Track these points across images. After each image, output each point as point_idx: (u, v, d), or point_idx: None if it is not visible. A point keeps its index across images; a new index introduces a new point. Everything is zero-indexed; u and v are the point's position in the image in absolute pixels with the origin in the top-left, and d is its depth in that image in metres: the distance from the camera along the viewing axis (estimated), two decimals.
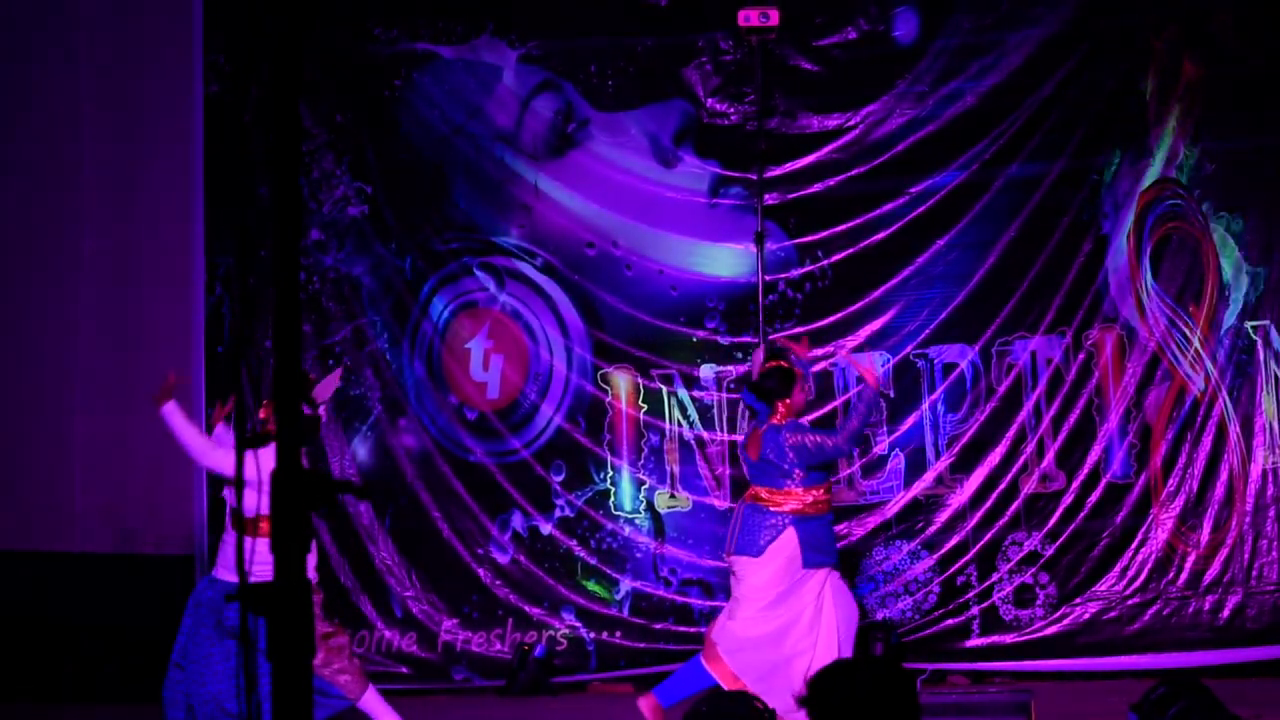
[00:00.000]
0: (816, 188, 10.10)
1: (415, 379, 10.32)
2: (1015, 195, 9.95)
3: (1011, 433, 9.91)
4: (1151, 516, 9.76)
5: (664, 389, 10.18)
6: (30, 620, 10.20)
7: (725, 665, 7.49)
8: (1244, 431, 9.72)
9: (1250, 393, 9.76)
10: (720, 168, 10.18)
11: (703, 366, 10.18)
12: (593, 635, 10.13)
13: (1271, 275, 9.80)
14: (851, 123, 10.09)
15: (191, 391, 10.30)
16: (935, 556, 9.93)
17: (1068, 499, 9.83)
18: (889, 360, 10.04)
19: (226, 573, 7.31)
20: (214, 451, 7.34)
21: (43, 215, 10.56)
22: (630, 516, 10.17)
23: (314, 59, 10.10)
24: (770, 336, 9.62)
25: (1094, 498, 9.82)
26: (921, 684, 9.20)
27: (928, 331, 10.02)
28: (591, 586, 10.19)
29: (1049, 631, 9.79)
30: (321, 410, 7.69)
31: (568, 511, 10.19)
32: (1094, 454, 9.84)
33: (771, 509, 7.49)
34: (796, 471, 7.49)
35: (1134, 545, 9.76)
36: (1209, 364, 9.77)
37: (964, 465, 9.95)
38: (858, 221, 10.06)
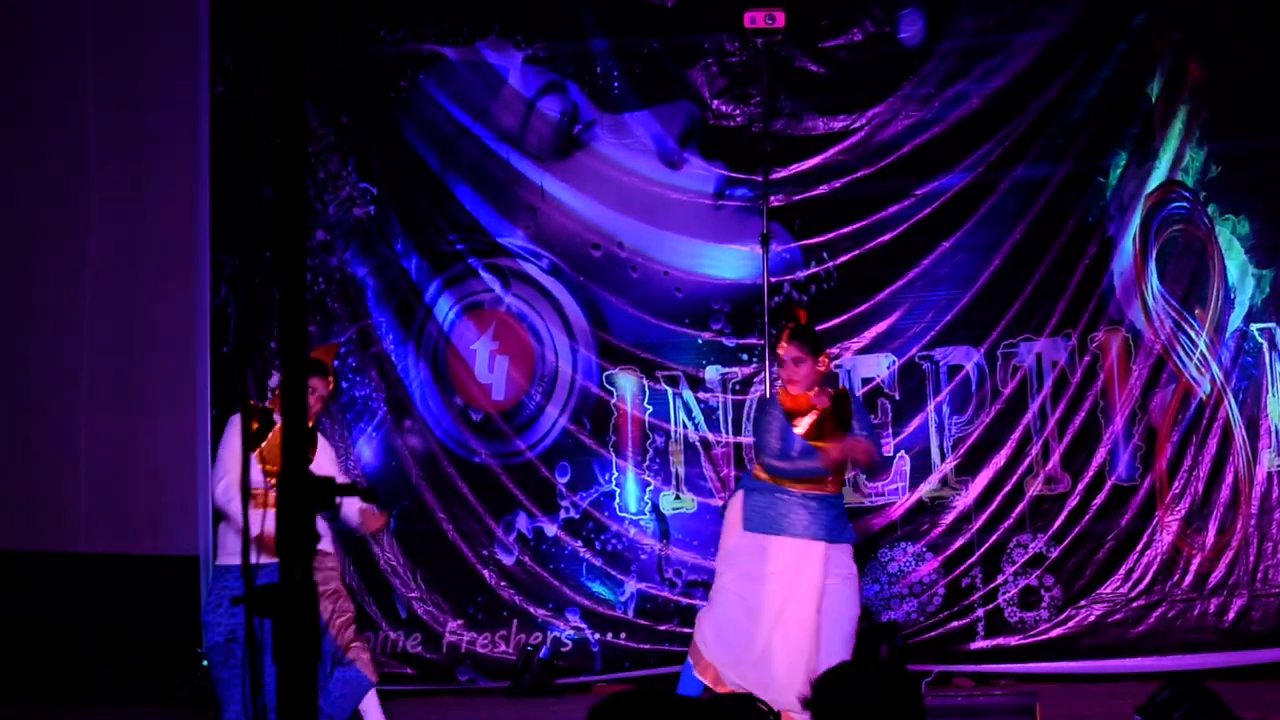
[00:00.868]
0: (822, 189, 10.10)
1: (420, 380, 10.31)
2: (1021, 197, 9.95)
3: (1017, 435, 9.91)
4: (1156, 519, 9.76)
5: (669, 390, 10.18)
6: (31, 620, 10.20)
7: (705, 660, 7.46)
8: (1249, 434, 9.72)
9: (1256, 395, 9.76)
10: (726, 169, 10.18)
11: (708, 368, 10.18)
12: (597, 636, 10.13)
13: (1277, 278, 9.80)
14: (857, 125, 10.09)
15: (196, 393, 10.31)
16: (940, 558, 9.92)
17: (1073, 501, 9.83)
18: (894, 362, 10.04)
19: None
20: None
21: (47, 215, 10.56)
22: (635, 518, 10.17)
23: (319, 60, 10.09)
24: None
25: (1099, 500, 9.82)
26: (926, 686, 9.20)
27: (933, 333, 10.01)
28: (597, 588, 10.20)
29: (1054, 634, 9.79)
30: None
31: (573, 513, 10.19)
32: (1099, 456, 9.83)
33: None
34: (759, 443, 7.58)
35: (1139, 548, 9.76)
36: (1214, 367, 9.77)
37: (969, 467, 9.95)
38: (863, 223, 10.06)
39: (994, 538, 9.87)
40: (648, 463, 10.14)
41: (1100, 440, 9.84)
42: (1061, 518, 9.82)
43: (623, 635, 10.06)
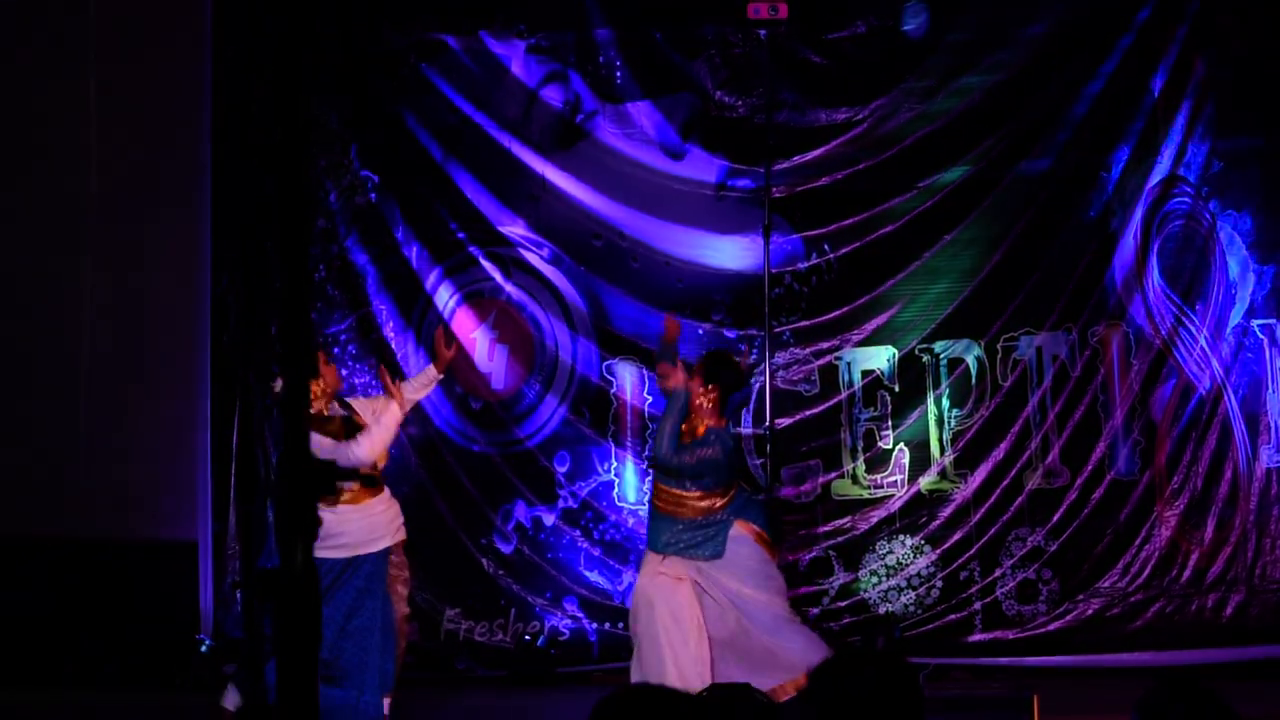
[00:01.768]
0: (824, 181, 10.09)
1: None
2: (1023, 191, 9.94)
3: (1016, 429, 9.91)
4: (1155, 514, 9.76)
5: None
6: (30, 606, 10.20)
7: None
8: (1249, 430, 9.72)
9: (1256, 391, 9.76)
10: (728, 160, 10.17)
11: None
12: (595, 626, 10.14)
13: (1278, 274, 9.79)
14: (859, 117, 10.08)
15: (197, 379, 10.31)
16: (938, 551, 9.93)
17: (1072, 495, 9.83)
18: (894, 355, 10.04)
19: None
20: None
21: (49, 201, 10.55)
22: (634, 508, 10.16)
23: (322, 48, 10.08)
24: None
25: (1098, 494, 9.82)
26: (924, 679, 9.21)
27: (933, 326, 10.01)
28: (595, 578, 10.20)
29: (1051, 628, 9.80)
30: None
31: (571, 502, 10.20)
32: (1099, 451, 9.83)
33: None
34: None
35: (1137, 542, 9.76)
36: (1215, 362, 9.76)
37: (968, 461, 9.95)
38: (865, 216, 10.06)
39: (992, 531, 9.87)
40: (647, 453, 10.14)
41: (1100, 435, 9.84)
42: (1060, 512, 9.83)
43: (620, 625, 10.05)
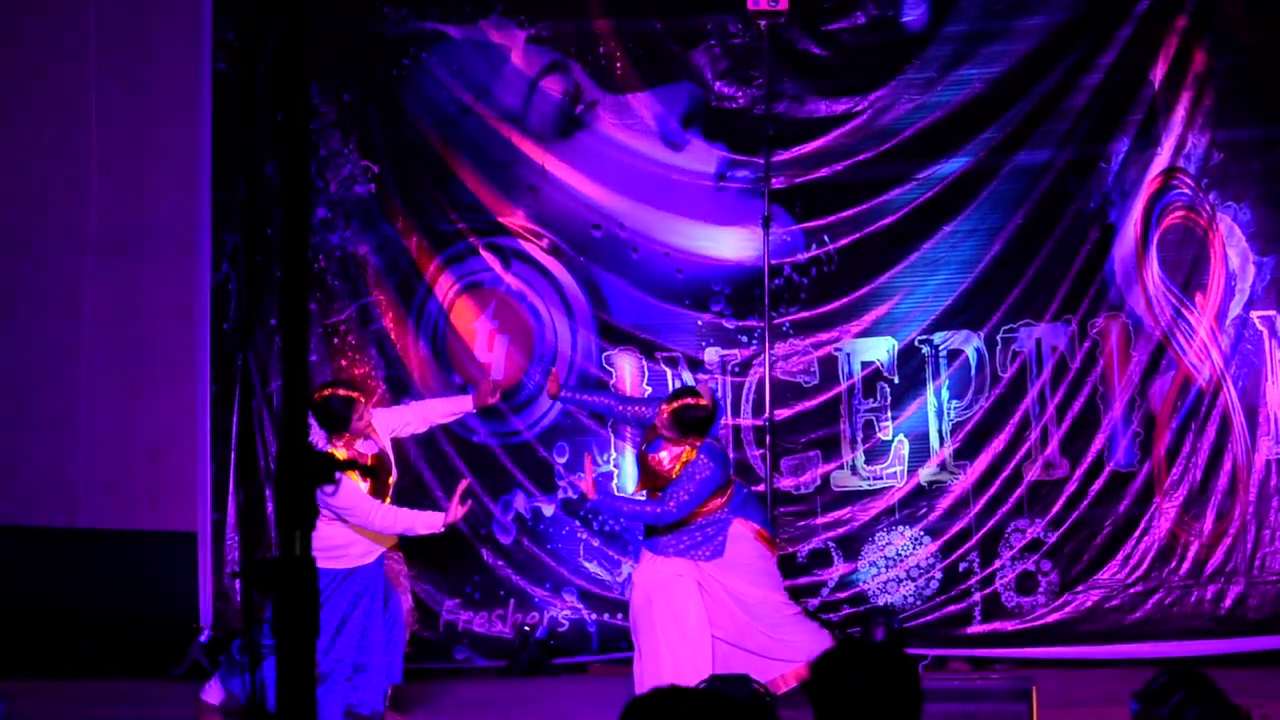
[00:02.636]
0: (823, 172, 10.09)
1: (420, 358, 10.31)
2: (1022, 182, 9.93)
3: (1015, 420, 9.91)
4: (1155, 505, 9.77)
5: (669, 372, 10.17)
6: (30, 596, 10.21)
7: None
8: (1248, 422, 9.72)
9: (1255, 383, 9.76)
10: (727, 151, 10.16)
11: (707, 350, 10.17)
12: (594, 617, 10.14)
13: (1278, 266, 9.79)
14: (859, 108, 10.07)
15: (195, 370, 10.31)
16: (938, 542, 9.93)
17: (1071, 487, 9.83)
18: (894, 346, 10.04)
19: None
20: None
21: (48, 191, 10.55)
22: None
23: (322, 37, 10.06)
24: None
25: (1097, 486, 9.82)
26: (923, 670, 9.21)
27: (933, 317, 10.00)
28: (594, 568, 10.20)
29: (1051, 619, 9.80)
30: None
31: (571, 493, 10.19)
32: (1098, 442, 9.83)
33: None
34: None
35: (1137, 534, 9.76)
36: (1214, 354, 9.76)
37: (968, 452, 9.95)
38: (864, 207, 10.05)
39: (992, 522, 9.87)
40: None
41: (1099, 426, 9.84)
42: (1060, 503, 9.83)
43: (619, 616, 10.05)
